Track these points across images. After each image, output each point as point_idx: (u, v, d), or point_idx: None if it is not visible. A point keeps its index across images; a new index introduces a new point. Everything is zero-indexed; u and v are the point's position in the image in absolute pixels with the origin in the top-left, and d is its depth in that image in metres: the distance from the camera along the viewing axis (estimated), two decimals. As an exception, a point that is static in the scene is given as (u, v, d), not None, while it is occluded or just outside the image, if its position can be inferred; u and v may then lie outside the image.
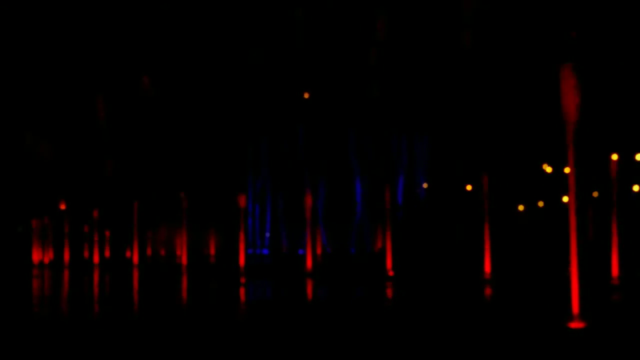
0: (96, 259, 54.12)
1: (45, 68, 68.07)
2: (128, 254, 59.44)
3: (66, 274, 43.04)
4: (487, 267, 31.78)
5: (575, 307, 14.60)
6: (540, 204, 62.16)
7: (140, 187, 55.17)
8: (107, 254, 61.88)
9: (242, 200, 37.84)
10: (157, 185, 63.87)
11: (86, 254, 59.70)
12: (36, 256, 62.40)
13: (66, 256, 57.09)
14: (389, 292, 25.53)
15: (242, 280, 32.66)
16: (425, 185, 68.45)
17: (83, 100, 67.84)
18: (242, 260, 37.45)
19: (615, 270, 27.68)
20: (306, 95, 63.09)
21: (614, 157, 28.69)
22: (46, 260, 61.18)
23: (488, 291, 25.22)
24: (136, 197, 51.55)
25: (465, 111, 64.21)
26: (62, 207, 59.64)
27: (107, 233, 61.89)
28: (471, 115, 63.08)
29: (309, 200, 36.25)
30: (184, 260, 44.11)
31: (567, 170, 15.06)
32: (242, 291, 27.29)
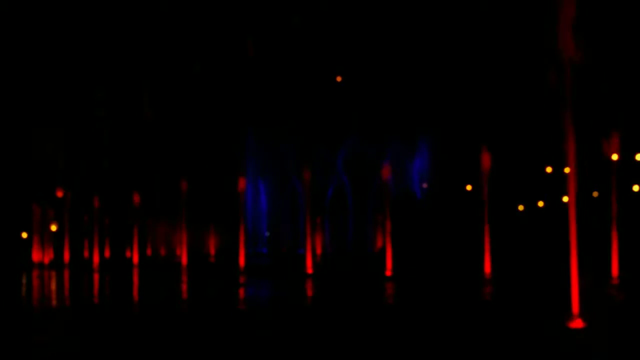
0: (96, 259, 53.93)
1: (45, 62, 68.05)
2: (128, 254, 59.28)
3: (66, 274, 42.89)
4: (487, 267, 31.74)
5: (575, 307, 14.57)
6: (540, 204, 62.10)
7: (140, 182, 55.13)
8: (107, 254, 61.71)
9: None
10: (157, 180, 63.83)
11: (86, 253, 59.51)
12: (36, 256, 62.21)
13: (66, 256, 56.88)
14: (390, 292, 25.48)
15: (242, 280, 32.55)
16: (424, 185, 68.31)
17: (84, 95, 67.74)
18: (242, 260, 37.41)
19: (615, 270, 27.65)
20: (338, 79, 62.90)
21: (614, 157, 28.62)
22: (46, 260, 61.00)
23: (488, 291, 25.18)
24: (136, 191, 51.38)
25: (465, 111, 64.18)
26: (59, 194, 59.27)
27: (107, 232, 61.70)
28: (471, 115, 63.05)
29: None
30: (184, 260, 44.04)
31: (567, 170, 15.02)
32: (241, 291, 27.22)
